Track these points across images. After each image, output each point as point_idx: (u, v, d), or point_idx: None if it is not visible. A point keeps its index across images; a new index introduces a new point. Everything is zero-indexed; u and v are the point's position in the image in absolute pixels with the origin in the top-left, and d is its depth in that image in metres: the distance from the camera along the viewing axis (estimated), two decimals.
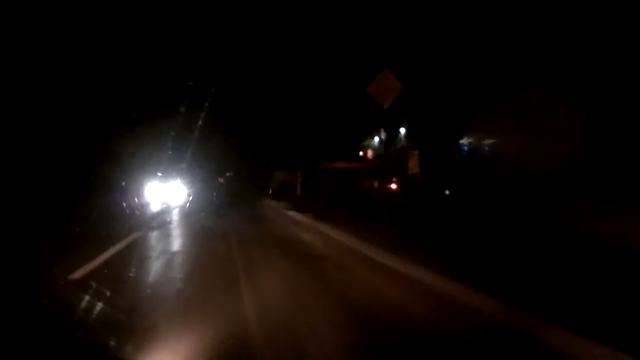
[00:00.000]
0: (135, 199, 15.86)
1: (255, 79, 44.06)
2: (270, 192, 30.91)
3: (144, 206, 15.54)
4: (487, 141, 30.66)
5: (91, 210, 12.31)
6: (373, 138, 40.39)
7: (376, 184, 30.83)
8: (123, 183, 17.07)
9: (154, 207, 16.75)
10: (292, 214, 14.84)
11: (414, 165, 34.57)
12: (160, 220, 12.38)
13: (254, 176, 46.04)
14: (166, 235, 9.89)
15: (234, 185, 48.48)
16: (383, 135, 39.32)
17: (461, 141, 34.07)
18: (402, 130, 36.32)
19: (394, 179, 28.81)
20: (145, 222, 11.58)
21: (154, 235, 9.83)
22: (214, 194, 28.61)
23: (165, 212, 15.54)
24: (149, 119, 25.42)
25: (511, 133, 24.41)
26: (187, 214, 15.56)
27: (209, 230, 11.02)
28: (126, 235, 9.25)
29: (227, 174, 60.99)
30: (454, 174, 27.46)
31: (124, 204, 13.23)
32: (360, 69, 38.29)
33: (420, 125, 33.07)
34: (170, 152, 20.10)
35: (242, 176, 51.00)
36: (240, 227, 11.57)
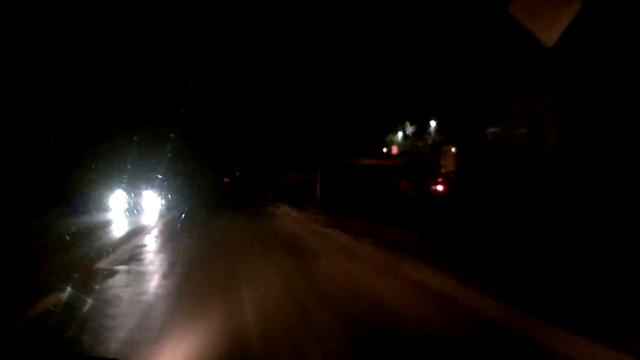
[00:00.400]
0: (94, 216, 10.96)
1: (268, 72, 39.15)
2: (285, 194, 25.86)
3: (103, 227, 10.38)
4: (520, 131, 25.19)
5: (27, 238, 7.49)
6: (396, 132, 35.25)
7: (405, 184, 25.66)
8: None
9: (121, 226, 11.58)
10: (333, 233, 9.71)
11: (448, 162, 29.39)
12: (122, 255, 7.10)
13: (264, 175, 40.94)
14: (113, 306, 4.47)
15: (242, 185, 43.29)
16: (409, 129, 34.13)
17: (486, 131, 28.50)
18: (433, 124, 31.15)
19: (440, 179, 23.62)
20: (95, 261, 6.45)
21: (82, 308, 4.42)
22: (216, 198, 23.47)
23: (136, 235, 9.64)
24: (130, 117, 20.58)
25: (554, 122, 19.67)
26: (172, 237, 9.83)
27: (203, 282, 5.54)
28: (33, 301, 4.22)
29: (236, 173, 56.00)
30: (496, 171, 22.30)
31: (76, 225, 8.31)
32: (381, 58, 33.09)
33: (454, 118, 27.89)
34: (153, 152, 15.18)
35: (252, 175, 45.90)
36: (262, 267, 6.29)
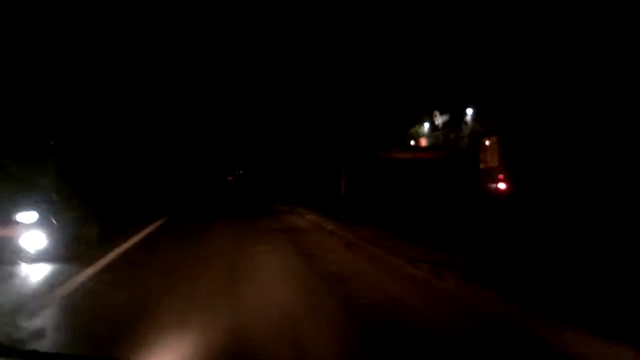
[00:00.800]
0: None
1: (275, 62, 34.64)
2: (300, 195, 21.15)
3: None
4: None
5: None
6: (422, 124, 30.55)
7: (447, 181, 20.91)
8: None
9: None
10: (451, 289, 4.93)
11: (490, 156, 24.67)
12: None
13: (273, 172, 36.22)
14: None
15: (248, 184, 38.51)
16: (439, 120, 29.41)
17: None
18: (469, 112, 26.43)
19: (501, 176, 18.85)
20: None
21: None
22: (213, 203, 17.66)
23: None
24: None
25: None
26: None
27: None
28: None
29: (240, 172, 51.61)
30: (563, 167, 17.60)
31: None
32: (404, 41, 28.31)
33: (500, 104, 23.17)
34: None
35: (259, 173, 41.18)
36: None
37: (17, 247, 6.28)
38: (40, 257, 6.28)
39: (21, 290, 4.99)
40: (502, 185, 18.16)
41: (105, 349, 3.03)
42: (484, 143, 24.17)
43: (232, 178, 49.21)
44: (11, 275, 5.63)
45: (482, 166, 24.39)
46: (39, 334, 3.42)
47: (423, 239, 8.07)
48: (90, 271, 5.62)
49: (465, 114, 26.14)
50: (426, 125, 30.15)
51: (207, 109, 36.53)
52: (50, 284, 5.06)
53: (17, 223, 6.38)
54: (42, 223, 6.42)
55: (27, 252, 6.30)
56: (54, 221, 6.57)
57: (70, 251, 6.54)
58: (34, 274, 5.74)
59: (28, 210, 6.42)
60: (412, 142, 29.42)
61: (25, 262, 6.21)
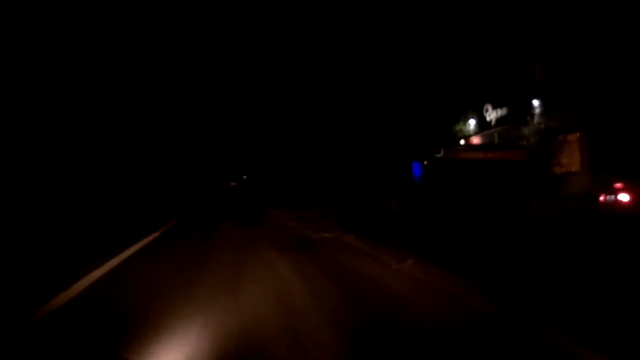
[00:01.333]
0: None
1: (294, 54, 29.59)
2: (330, 207, 15.53)
3: None
4: None
5: None
6: (467, 121, 25.13)
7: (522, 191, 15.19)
8: None
9: None
10: None
11: (568, 158, 19.27)
12: None
13: (280, 178, 30.75)
14: None
15: (256, 192, 32.96)
16: (492, 115, 23.97)
17: None
18: (536, 104, 21.01)
19: (619, 185, 13.29)
20: None
21: None
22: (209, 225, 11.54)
23: None
24: None
25: None
26: None
27: None
28: None
29: (242, 177, 46.19)
30: None
31: None
32: (447, 27, 23.37)
33: (581, 92, 17.80)
34: None
35: (263, 178, 35.64)
36: None
37: None
38: None
39: None
40: (624, 197, 12.51)
41: None
42: (559, 142, 18.71)
43: (235, 184, 44.21)
44: None
45: (557, 170, 18.97)
46: None
47: None
48: None
49: (531, 107, 20.63)
50: (472, 122, 24.70)
51: (212, 113, 31.93)
52: None
53: None
54: None
55: None
56: None
57: None
58: None
59: None
60: (463, 141, 23.87)
61: None
